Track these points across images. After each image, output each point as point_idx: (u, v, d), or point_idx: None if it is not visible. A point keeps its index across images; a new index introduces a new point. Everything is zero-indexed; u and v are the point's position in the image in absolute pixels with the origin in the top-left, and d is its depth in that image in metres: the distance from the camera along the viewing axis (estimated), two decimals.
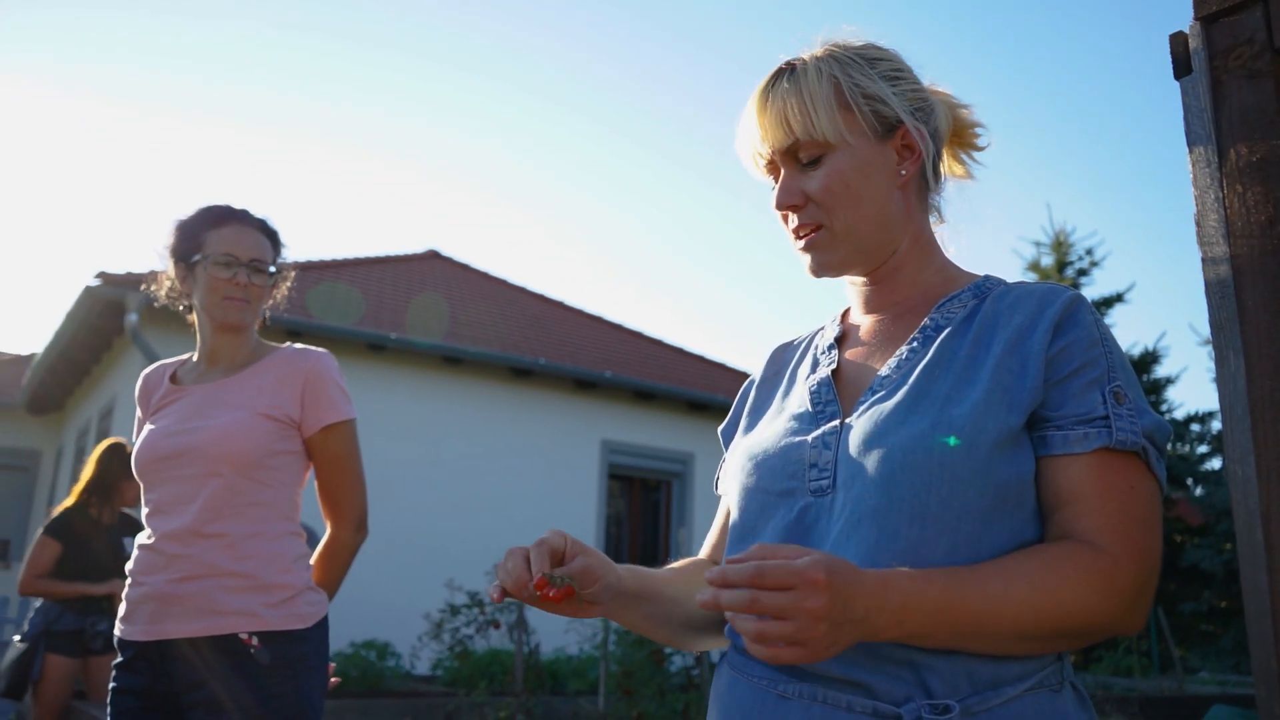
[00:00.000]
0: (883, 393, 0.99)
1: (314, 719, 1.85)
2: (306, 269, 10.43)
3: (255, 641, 1.81)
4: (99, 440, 9.41)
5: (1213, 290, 0.88)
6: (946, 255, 1.12)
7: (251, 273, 1.99)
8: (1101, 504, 0.90)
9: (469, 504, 9.50)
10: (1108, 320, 14.57)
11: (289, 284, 2.15)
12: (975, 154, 1.15)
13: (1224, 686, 8.93)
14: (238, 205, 2.06)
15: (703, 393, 11.20)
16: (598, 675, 6.37)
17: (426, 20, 25.08)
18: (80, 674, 4.43)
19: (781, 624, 0.77)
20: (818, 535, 0.95)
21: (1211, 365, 14.67)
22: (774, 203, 1.07)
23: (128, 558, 1.99)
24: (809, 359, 1.14)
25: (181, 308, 2.11)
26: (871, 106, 1.03)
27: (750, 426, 1.15)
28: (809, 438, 1.01)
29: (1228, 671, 11.39)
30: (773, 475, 1.01)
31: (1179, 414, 14.52)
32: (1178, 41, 0.96)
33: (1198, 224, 0.90)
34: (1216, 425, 14.02)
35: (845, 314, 1.17)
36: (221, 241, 1.98)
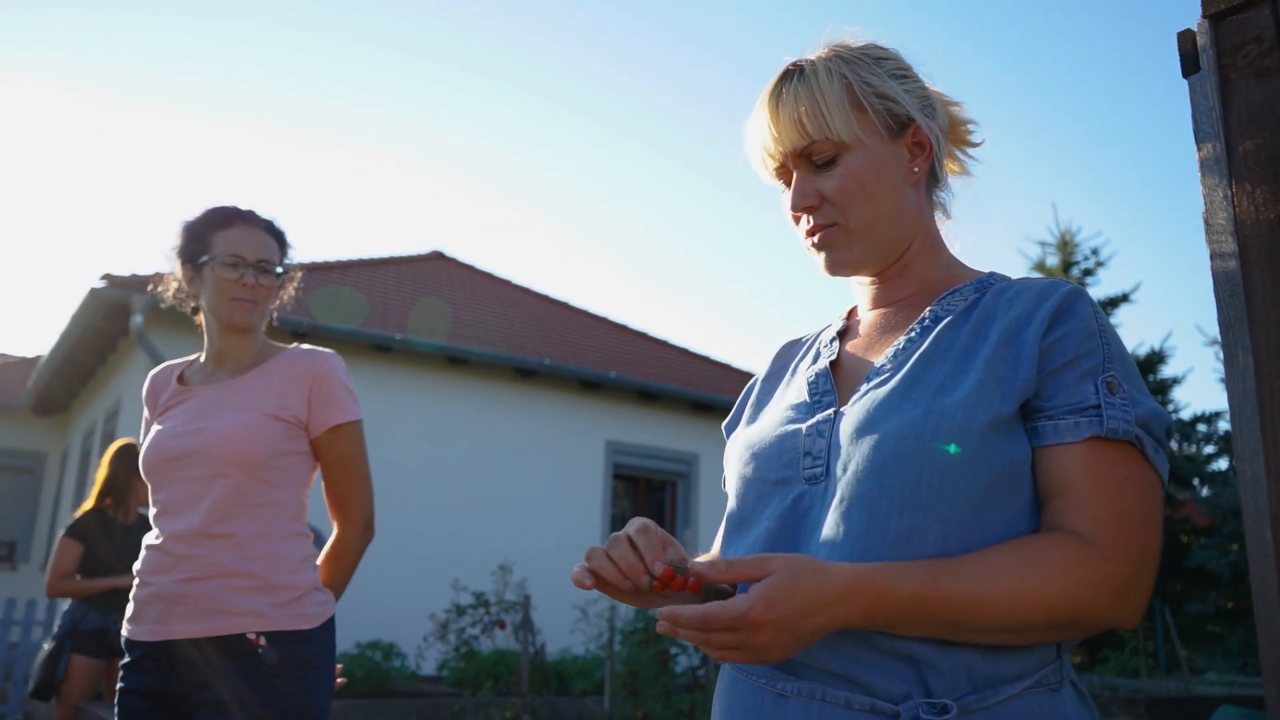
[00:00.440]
0: (878, 381, 0.99)
1: (321, 718, 1.85)
2: (311, 270, 10.44)
3: (263, 641, 1.81)
4: (105, 442, 9.44)
5: (1221, 288, 0.88)
6: (952, 253, 1.13)
7: (258, 273, 1.99)
8: (1092, 495, 0.89)
9: (474, 504, 9.51)
10: (1114, 320, 14.54)
11: (296, 285, 2.15)
12: (971, 150, 1.16)
13: (1230, 687, 8.90)
14: (244, 206, 2.06)
15: (707, 393, 11.19)
16: (603, 675, 6.37)
17: (430, 21, 25.10)
18: (104, 676, 4.46)
19: (736, 651, 0.83)
20: (811, 522, 0.96)
21: (1218, 365, 14.59)
22: (789, 205, 1.07)
23: None
24: (812, 353, 1.15)
25: (189, 309, 2.12)
26: (884, 105, 1.04)
27: (752, 419, 1.15)
28: (804, 426, 1.01)
29: (1234, 672, 11.35)
30: (769, 464, 1.02)
31: (1185, 414, 14.48)
32: (1185, 39, 0.95)
33: (1206, 222, 0.90)
34: (1223, 426, 13.99)
35: (851, 312, 1.18)
36: (228, 242, 1.98)
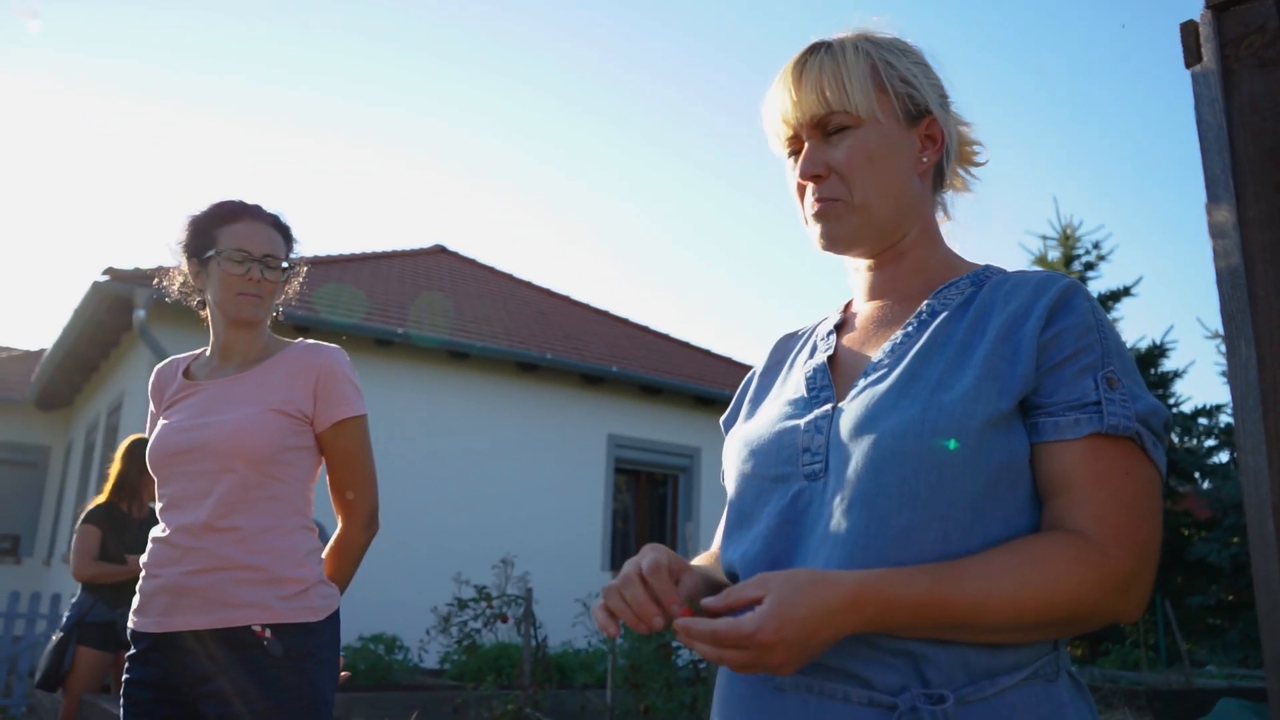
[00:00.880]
0: (875, 376, 0.99)
1: (325, 711, 1.86)
2: (314, 264, 10.44)
3: (268, 634, 1.82)
4: (108, 436, 9.46)
5: (1224, 280, 0.88)
6: (950, 248, 1.13)
7: (264, 268, 1.99)
8: (1093, 492, 0.89)
9: (476, 498, 9.52)
10: (1115, 314, 14.52)
11: (301, 279, 2.15)
12: (974, 170, 1.16)
13: (1231, 680, 8.91)
14: (250, 201, 2.06)
15: (709, 387, 11.19)
16: (605, 669, 6.38)
17: (433, 16, 25.05)
18: (111, 668, 4.47)
19: (749, 666, 0.84)
20: (811, 518, 0.96)
21: (1219, 358, 14.56)
22: (798, 173, 1.07)
23: None
24: (809, 347, 1.15)
25: (194, 304, 2.12)
26: (905, 90, 1.05)
27: (750, 414, 1.15)
28: (802, 422, 1.01)
29: (1235, 665, 11.36)
30: (768, 460, 1.02)
31: (1186, 407, 14.46)
32: (1189, 30, 0.95)
33: (1209, 213, 0.90)
34: (1224, 419, 13.97)
35: (848, 305, 1.18)
36: (234, 237, 1.99)
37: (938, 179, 1.12)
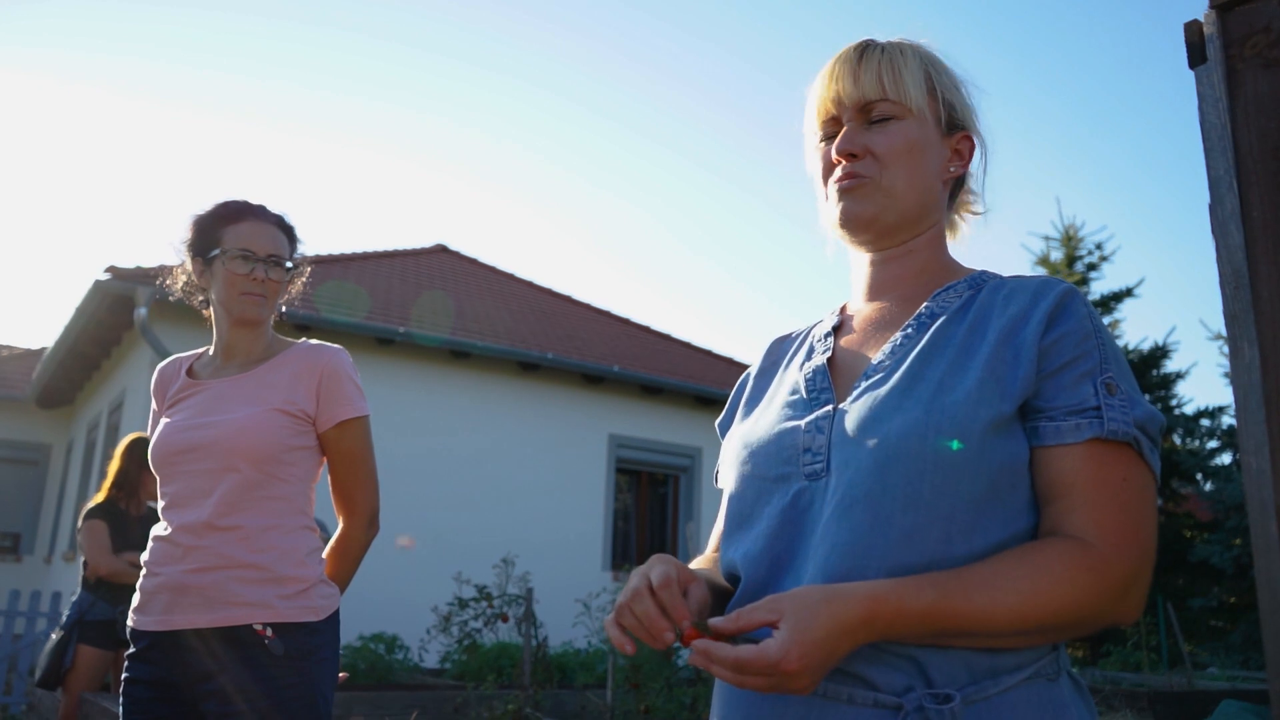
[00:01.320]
0: (876, 378, 1.00)
1: (325, 710, 1.86)
2: (315, 263, 10.44)
3: (269, 633, 1.82)
4: (109, 434, 9.46)
5: (1227, 281, 0.88)
6: (951, 255, 1.15)
7: (269, 268, 1.99)
8: (1093, 497, 0.90)
9: (477, 498, 9.52)
10: (1117, 315, 14.50)
11: (304, 279, 2.16)
12: (967, 215, 1.19)
13: (1233, 682, 8.90)
14: (254, 201, 2.06)
15: (710, 387, 11.19)
16: (605, 669, 6.39)
17: (435, 15, 25.07)
18: (111, 667, 4.47)
19: (769, 689, 0.84)
20: (812, 518, 0.96)
21: (1222, 360, 14.52)
22: (834, 149, 1.09)
23: None
24: (805, 348, 1.16)
25: (197, 303, 2.12)
26: (950, 101, 1.10)
27: (746, 416, 1.16)
28: (803, 422, 1.02)
29: (1237, 667, 11.35)
30: (768, 461, 1.03)
31: (1189, 409, 14.44)
32: (1193, 30, 0.95)
33: (1212, 213, 0.90)
34: (1226, 420, 13.95)
35: (843, 308, 1.19)
36: (238, 237, 1.99)
37: (953, 194, 1.15)
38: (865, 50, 1.09)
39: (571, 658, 7.91)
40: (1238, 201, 0.87)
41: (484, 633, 6.80)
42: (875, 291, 1.12)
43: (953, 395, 0.93)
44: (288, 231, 2.07)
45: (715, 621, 0.87)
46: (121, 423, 8.93)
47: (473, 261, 13.95)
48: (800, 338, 1.20)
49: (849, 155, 1.07)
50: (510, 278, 13.79)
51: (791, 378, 1.11)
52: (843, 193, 1.08)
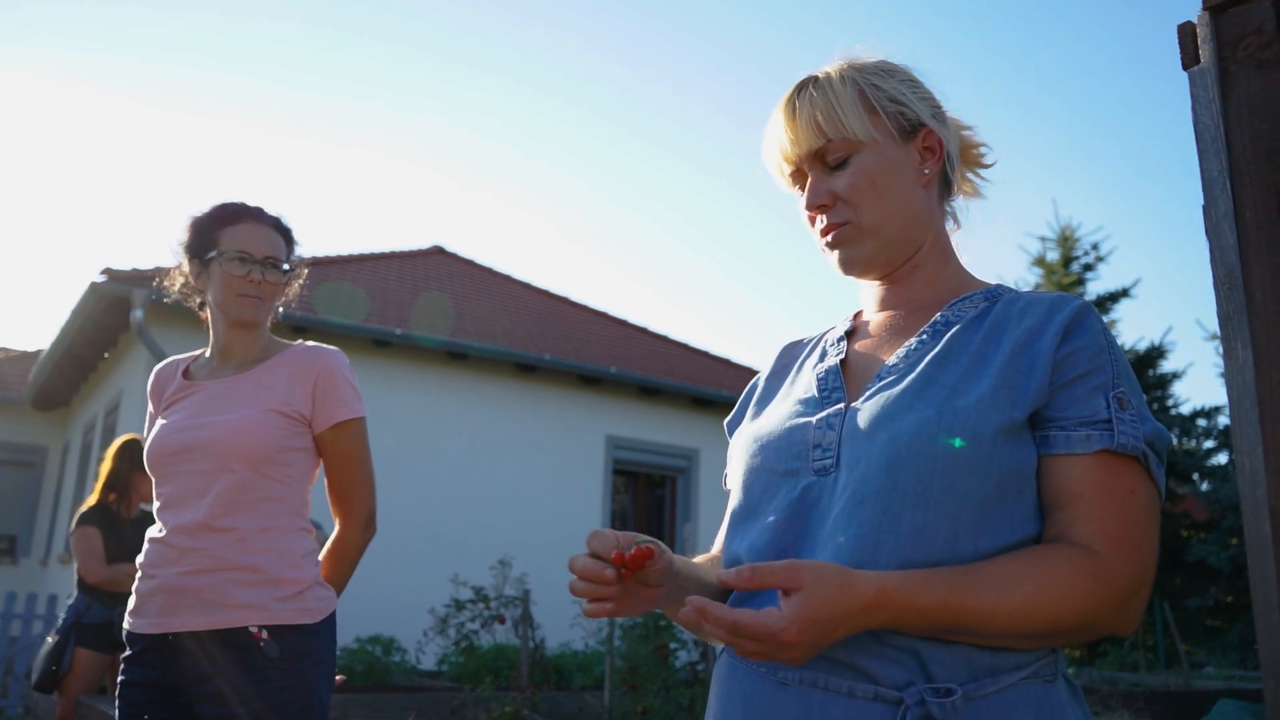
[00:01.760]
0: (890, 379, 1.01)
1: (321, 713, 1.86)
2: (312, 265, 10.41)
3: (264, 635, 1.82)
4: (105, 436, 9.45)
5: (1221, 282, 0.88)
6: (961, 262, 1.16)
7: (265, 270, 1.99)
8: (1100, 507, 0.91)
9: (474, 499, 9.51)
10: (1113, 316, 14.52)
11: (301, 281, 2.15)
12: (983, 171, 1.19)
13: (1230, 681, 8.91)
14: (252, 203, 2.06)
15: (707, 389, 11.18)
16: (603, 670, 6.38)
17: (432, 16, 25.08)
18: (108, 670, 4.46)
19: (760, 655, 0.84)
20: (819, 513, 0.97)
21: (1218, 360, 14.53)
22: (804, 204, 1.10)
23: None
24: (819, 351, 1.17)
25: (194, 304, 2.12)
26: (896, 108, 1.08)
27: (756, 415, 1.17)
28: (814, 419, 1.03)
29: (1233, 666, 11.36)
30: (777, 455, 1.03)
31: (1185, 409, 14.46)
32: (1186, 32, 0.95)
33: (1206, 215, 0.90)
34: (1222, 420, 13.97)
35: (858, 314, 1.20)
36: (236, 239, 1.99)
37: (945, 189, 1.15)
38: (797, 99, 1.09)
39: (569, 659, 7.91)
40: (1231, 203, 0.87)
41: (481, 634, 6.79)
42: (886, 304, 1.14)
43: (966, 399, 0.94)
44: (285, 233, 2.07)
45: (726, 575, 0.86)
46: (118, 425, 8.91)
47: (470, 263, 13.95)
48: (813, 342, 1.21)
49: (819, 208, 1.09)
50: (508, 279, 13.79)
51: (804, 379, 1.13)
52: (831, 245, 1.09)
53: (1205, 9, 0.93)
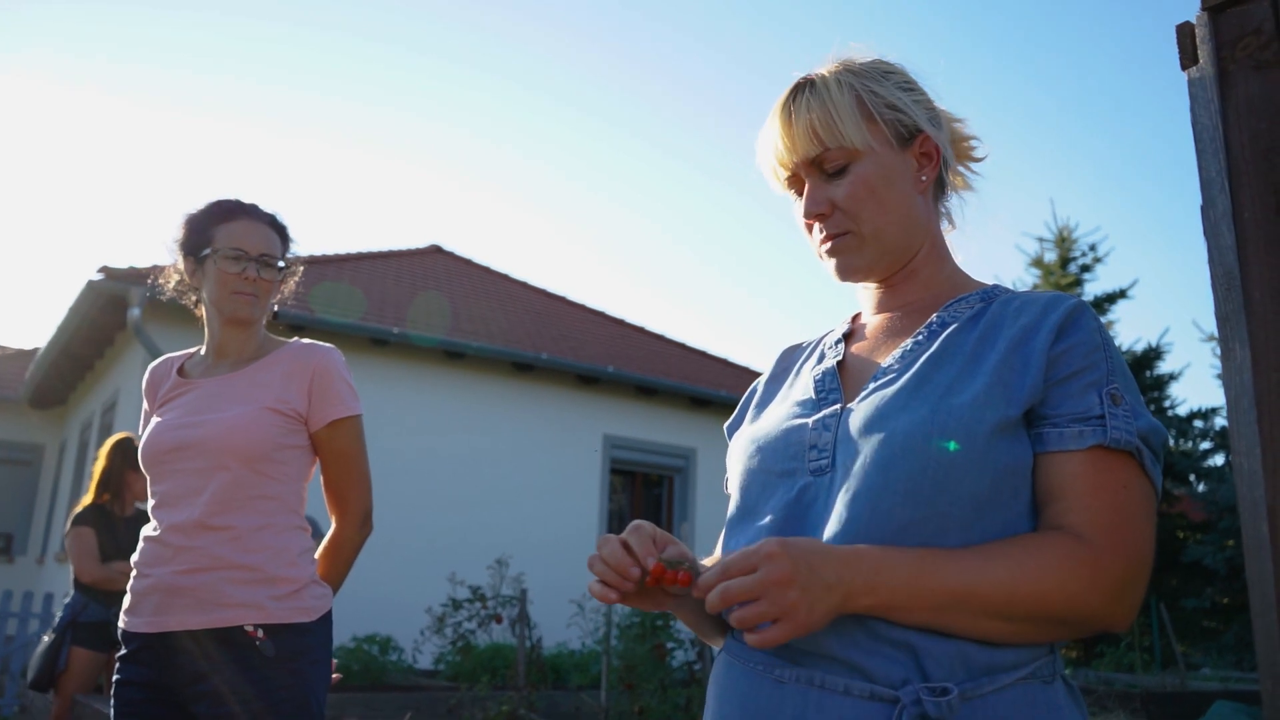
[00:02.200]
0: (885, 380, 1.01)
1: (317, 712, 1.85)
2: (310, 264, 10.40)
3: (260, 634, 1.81)
4: (102, 434, 9.43)
5: (1219, 282, 0.88)
6: (956, 263, 1.16)
7: (261, 267, 1.99)
8: (1091, 499, 0.91)
9: (471, 499, 9.51)
10: (1110, 317, 14.53)
11: (297, 279, 2.15)
12: (974, 165, 1.19)
13: (1226, 683, 8.93)
14: (247, 200, 2.06)
15: (705, 388, 11.18)
16: (600, 670, 6.38)
17: (430, 15, 25.06)
18: (104, 669, 4.45)
19: (757, 603, 0.83)
20: (816, 514, 0.98)
21: (1215, 361, 14.55)
22: (802, 213, 1.10)
23: None
24: (817, 354, 1.18)
25: (189, 302, 2.11)
26: (893, 115, 1.08)
27: (755, 418, 1.18)
28: (810, 420, 1.04)
29: (1230, 668, 11.38)
30: (774, 456, 1.04)
31: (1181, 410, 14.47)
32: (1184, 32, 0.95)
33: (1204, 215, 0.90)
34: (1219, 421, 13.99)
35: (855, 317, 1.21)
36: (231, 236, 1.98)
37: (939, 189, 1.15)
38: (793, 104, 1.08)
39: (566, 659, 7.91)
40: (1229, 203, 0.87)
41: (478, 634, 6.79)
42: (884, 306, 1.14)
43: (960, 398, 0.94)
44: (280, 231, 2.07)
45: (696, 563, 0.89)
46: (115, 423, 8.90)
47: (467, 262, 13.94)
48: (812, 346, 1.22)
49: (818, 216, 1.09)
50: (505, 278, 13.78)
51: (802, 381, 1.13)
52: (830, 253, 1.10)
53: (1204, 9, 0.93)
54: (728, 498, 1.15)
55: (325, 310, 9.00)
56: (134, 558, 1.94)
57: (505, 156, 33.22)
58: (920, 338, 1.04)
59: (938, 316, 1.06)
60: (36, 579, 11.91)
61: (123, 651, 1.91)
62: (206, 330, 2.07)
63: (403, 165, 33.02)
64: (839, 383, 1.07)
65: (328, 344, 2.03)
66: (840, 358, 1.11)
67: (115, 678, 1.90)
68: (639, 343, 12.90)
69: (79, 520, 4.38)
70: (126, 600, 1.92)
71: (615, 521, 11.15)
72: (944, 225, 1.16)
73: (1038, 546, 0.89)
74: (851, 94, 1.06)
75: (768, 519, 1.01)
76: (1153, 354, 14.18)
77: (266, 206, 2.07)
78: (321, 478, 2.02)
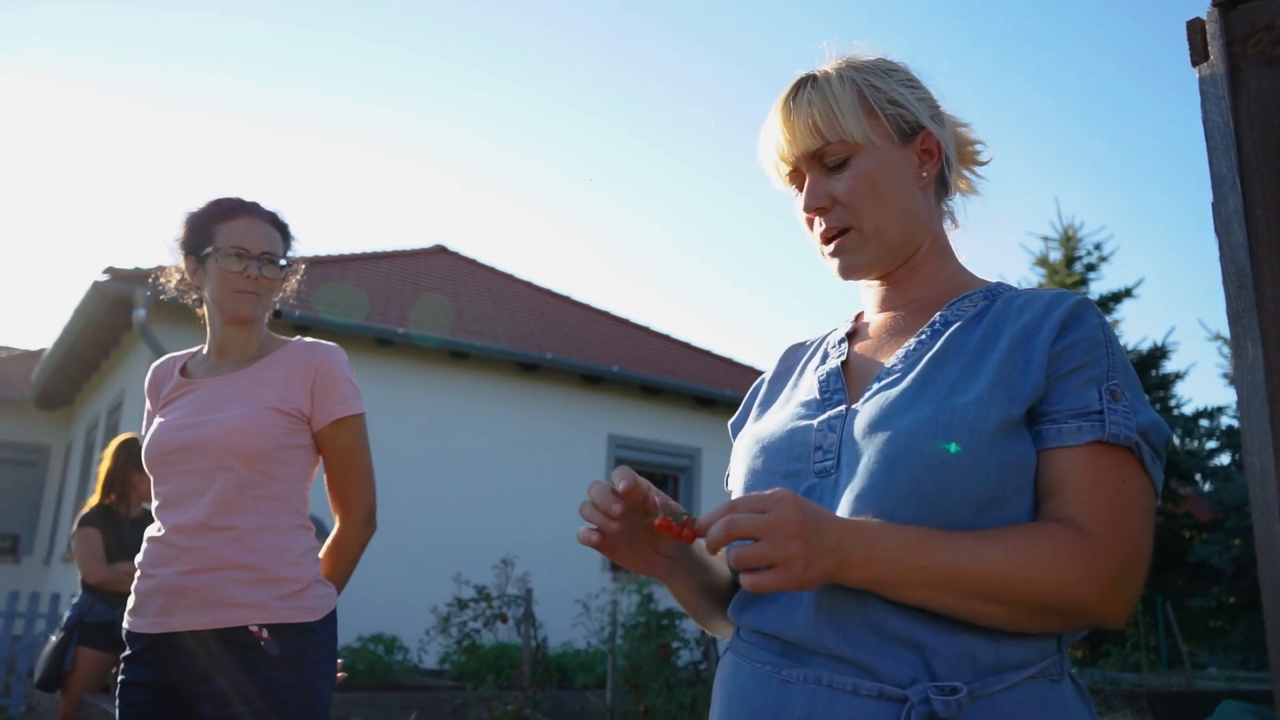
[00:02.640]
0: (889, 380, 1.01)
1: (322, 711, 1.85)
2: (314, 264, 10.44)
3: (265, 634, 1.81)
4: (108, 435, 9.45)
5: (1230, 279, 0.87)
6: (960, 261, 1.16)
7: (262, 265, 1.98)
8: (1089, 493, 0.91)
9: (476, 498, 9.51)
10: (1116, 316, 14.49)
11: (299, 277, 2.15)
12: (978, 169, 1.19)
13: (1233, 682, 8.89)
14: (248, 198, 2.05)
15: (709, 388, 11.18)
16: (605, 669, 6.38)
17: (433, 15, 25.08)
18: (111, 669, 4.46)
19: (759, 544, 0.83)
20: None
21: (1221, 360, 14.50)
22: (802, 206, 1.10)
23: None
24: (820, 353, 1.18)
25: (191, 301, 2.11)
26: (895, 110, 1.08)
27: (759, 418, 1.18)
28: (815, 421, 1.04)
29: (1236, 667, 11.34)
30: (779, 457, 1.04)
31: (1188, 409, 14.42)
32: (1195, 29, 0.95)
33: (1215, 211, 0.89)
34: (1225, 420, 13.95)
35: (858, 316, 1.21)
36: (232, 234, 1.98)
37: (941, 188, 1.15)
38: (795, 98, 1.08)
39: (571, 658, 7.90)
40: (1241, 199, 0.86)
41: (483, 633, 6.78)
42: (887, 305, 1.14)
43: (964, 397, 0.94)
44: (281, 229, 2.06)
45: (707, 516, 0.88)
46: (120, 424, 8.91)
47: (472, 262, 13.94)
48: (815, 344, 1.22)
49: (818, 210, 1.09)
50: (509, 278, 13.78)
51: (806, 381, 1.13)
52: (832, 254, 1.10)
53: (1214, 5, 0.93)
54: (729, 495, 1.15)
55: (329, 311, 9.01)
56: (138, 559, 1.94)
57: (509, 156, 33.24)
58: (923, 337, 1.04)
59: (941, 315, 1.06)
60: (43, 579, 11.94)
61: (127, 652, 1.91)
62: (208, 329, 2.07)
63: (405, 165, 33.07)
64: (843, 383, 1.07)
65: (330, 343, 2.03)
66: (844, 357, 1.11)
67: (120, 679, 1.90)
68: (643, 342, 12.89)
69: (85, 521, 4.39)
70: (130, 601, 1.92)
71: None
72: (946, 224, 1.16)
73: (1037, 534, 0.89)
74: (853, 88, 1.07)
75: None
76: (1158, 353, 14.14)
77: (267, 204, 2.07)
78: (325, 477, 2.02)
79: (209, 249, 1.98)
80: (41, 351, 13.45)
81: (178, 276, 2.09)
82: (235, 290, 1.97)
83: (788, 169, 1.11)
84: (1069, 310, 0.97)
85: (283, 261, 2.03)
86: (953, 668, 0.88)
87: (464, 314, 10.77)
